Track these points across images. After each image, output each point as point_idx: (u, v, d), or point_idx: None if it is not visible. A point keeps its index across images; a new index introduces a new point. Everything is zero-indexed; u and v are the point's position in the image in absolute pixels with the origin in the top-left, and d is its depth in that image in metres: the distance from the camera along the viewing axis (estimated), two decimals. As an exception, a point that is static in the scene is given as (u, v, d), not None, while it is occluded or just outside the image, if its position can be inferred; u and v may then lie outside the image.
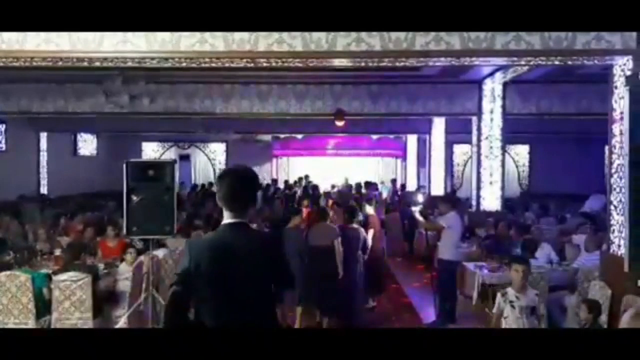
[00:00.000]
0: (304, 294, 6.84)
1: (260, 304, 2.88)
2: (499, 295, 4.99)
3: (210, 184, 16.73)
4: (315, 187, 15.93)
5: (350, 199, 11.85)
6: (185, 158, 20.03)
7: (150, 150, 20.15)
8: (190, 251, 2.89)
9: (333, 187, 16.55)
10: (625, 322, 3.97)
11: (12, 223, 9.21)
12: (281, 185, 17.73)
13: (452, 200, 8.32)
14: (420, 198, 9.44)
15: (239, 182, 2.92)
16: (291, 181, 18.17)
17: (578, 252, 7.25)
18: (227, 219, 2.90)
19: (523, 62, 6.87)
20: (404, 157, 19.79)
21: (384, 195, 16.10)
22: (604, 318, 5.52)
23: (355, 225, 7.31)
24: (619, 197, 5.88)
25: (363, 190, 14.72)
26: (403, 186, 17.53)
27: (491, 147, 10.48)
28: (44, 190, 14.92)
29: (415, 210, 8.11)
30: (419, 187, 16.62)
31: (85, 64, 6.07)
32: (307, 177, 17.79)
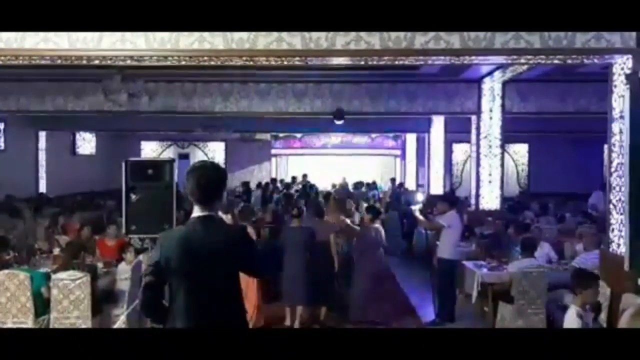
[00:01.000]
0: (306, 288, 6.97)
1: (228, 294, 3.00)
2: (575, 315, 4.36)
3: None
4: (312, 187, 16.09)
5: (346, 198, 11.89)
6: (184, 157, 20.00)
7: (150, 150, 20.13)
8: (161, 243, 3.01)
9: (334, 186, 16.65)
10: (625, 321, 3.97)
11: (18, 222, 9.24)
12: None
13: (451, 199, 8.31)
14: (419, 197, 9.46)
15: (206, 177, 3.03)
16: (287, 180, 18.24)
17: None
18: (196, 212, 3.02)
19: (523, 61, 6.87)
20: (403, 156, 19.79)
21: (379, 194, 16.17)
22: (602, 317, 5.52)
23: (377, 225, 7.41)
24: (618, 195, 5.89)
25: (359, 189, 14.80)
26: (400, 185, 17.56)
27: (490, 146, 10.48)
28: (42, 189, 14.89)
29: (415, 209, 8.11)
30: (418, 186, 16.62)
31: (84, 62, 6.07)
32: (305, 176, 17.84)
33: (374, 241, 7.35)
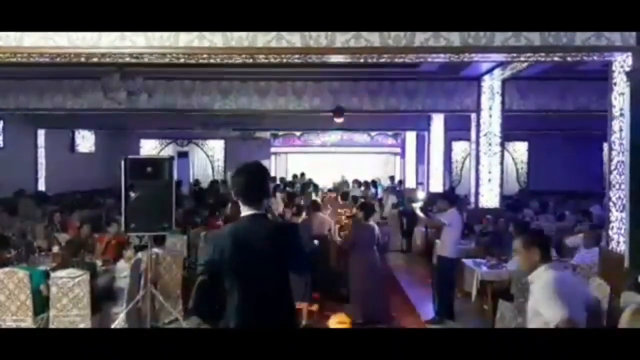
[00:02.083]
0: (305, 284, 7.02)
1: (280, 293, 3.03)
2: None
3: (215, 181, 16.92)
4: (310, 181, 16.31)
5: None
6: (183, 155, 19.99)
7: (149, 148, 20.11)
8: (214, 241, 3.09)
9: (333, 184, 16.73)
10: (624, 319, 3.97)
11: (16, 220, 9.23)
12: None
13: (451, 197, 8.31)
14: (420, 195, 9.51)
15: (253, 177, 3.12)
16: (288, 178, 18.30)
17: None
18: (245, 211, 3.07)
19: (522, 59, 6.85)
20: (402, 154, 19.79)
21: (379, 193, 16.19)
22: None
23: (371, 223, 7.42)
24: (618, 193, 5.88)
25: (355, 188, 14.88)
26: (399, 182, 17.60)
27: (490, 144, 10.48)
28: (41, 187, 14.88)
29: (416, 206, 8.12)
30: (418, 184, 16.64)
31: (83, 60, 6.05)
32: (302, 175, 17.89)
33: (365, 239, 7.26)
